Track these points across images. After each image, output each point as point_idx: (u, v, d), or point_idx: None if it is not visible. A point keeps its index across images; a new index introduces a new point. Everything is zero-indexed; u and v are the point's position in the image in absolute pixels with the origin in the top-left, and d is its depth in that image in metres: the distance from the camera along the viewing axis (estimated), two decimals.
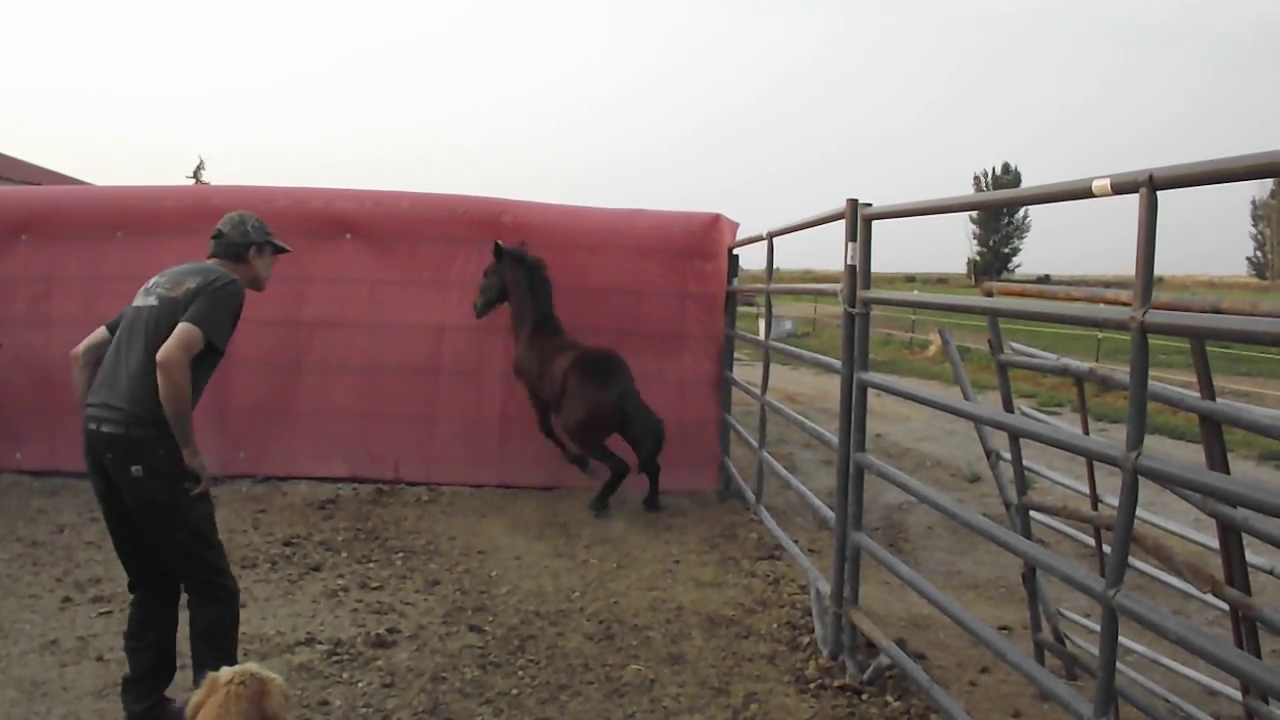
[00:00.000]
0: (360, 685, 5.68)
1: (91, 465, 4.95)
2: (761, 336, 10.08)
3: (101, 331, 5.22)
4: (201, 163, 38.80)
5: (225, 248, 5.46)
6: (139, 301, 5.13)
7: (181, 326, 4.88)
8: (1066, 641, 5.77)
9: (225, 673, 3.72)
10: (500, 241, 10.17)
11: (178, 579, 5.21)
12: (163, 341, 4.83)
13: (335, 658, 6.05)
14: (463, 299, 10.49)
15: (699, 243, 10.67)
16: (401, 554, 8.16)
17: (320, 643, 6.28)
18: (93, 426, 4.86)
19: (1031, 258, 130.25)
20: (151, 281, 5.21)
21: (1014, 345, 5.79)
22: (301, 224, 10.55)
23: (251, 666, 3.78)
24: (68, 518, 9.16)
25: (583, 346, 9.89)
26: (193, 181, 36.49)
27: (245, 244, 5.50)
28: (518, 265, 10.15)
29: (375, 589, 7.31)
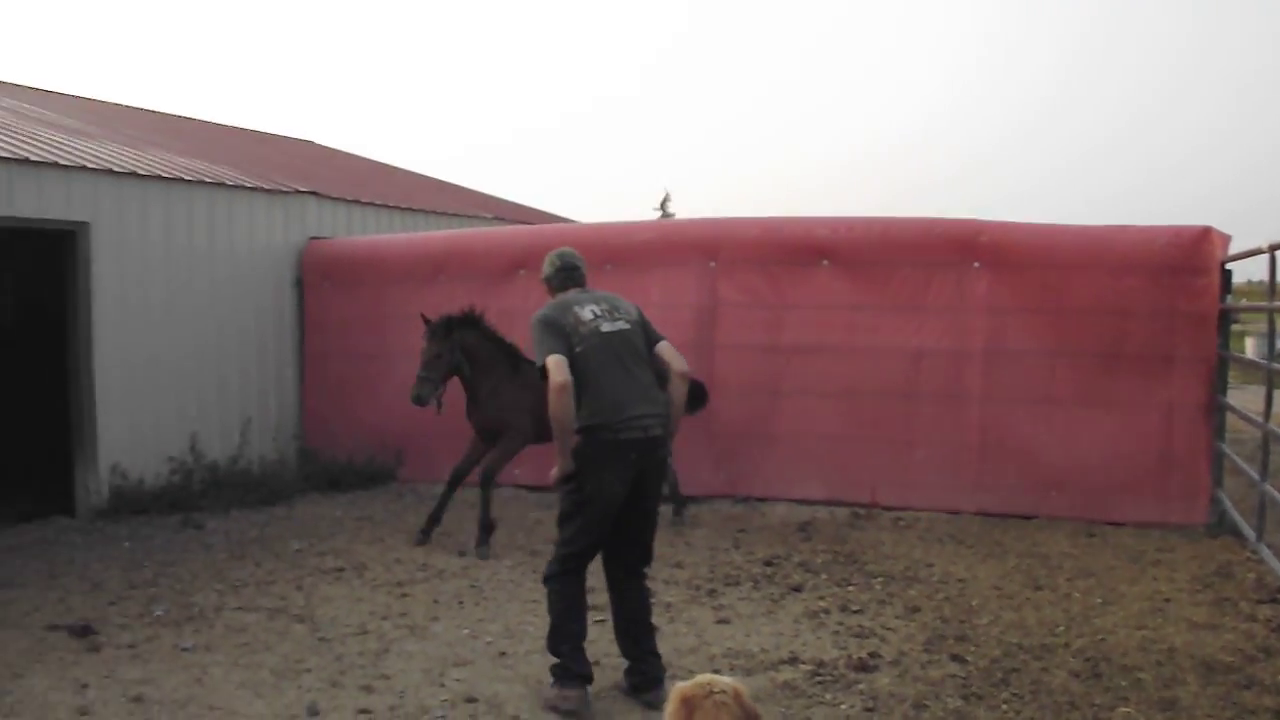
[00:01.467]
0: (843, 707, 5.71)
1: (624, 464, 5.72)
2: (1256, 357, 9.33)
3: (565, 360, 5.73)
4: (667, 195, 40.35)
5: (584, 276, 6.33)
6: (607, 328, 5.83)
7: (668, 344, 6.17)
8: None
9: (690, 687, 3.74)
10: (427, 316, 9.79)
11: (637, 556, 6.09)
12: (646, 357, 6.00)
13: (818, 678, 6.13)
14: (939, 324, 10.39)
15: (1188, 257, 9.98)
16: (880, 579, 8.15)
17: (803, 662, 6.38)
18: (639, 435, 5.73)
19: None
20: (592, 311, 5.91)
21: None
22: (778, 252, 10.87)
23: (707, 676, 3.85)
24: None
25: None
26: (660, 214, 38.08)
27: None
28: (468, 328, 9.75)
29: (855, 612, 7.34)
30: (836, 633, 6.95)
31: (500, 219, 18.09)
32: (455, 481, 9.83)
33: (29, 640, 7.19)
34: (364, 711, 5.84)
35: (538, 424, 9.75)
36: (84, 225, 10.63)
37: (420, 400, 9.47)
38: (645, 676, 5.90)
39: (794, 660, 6.44)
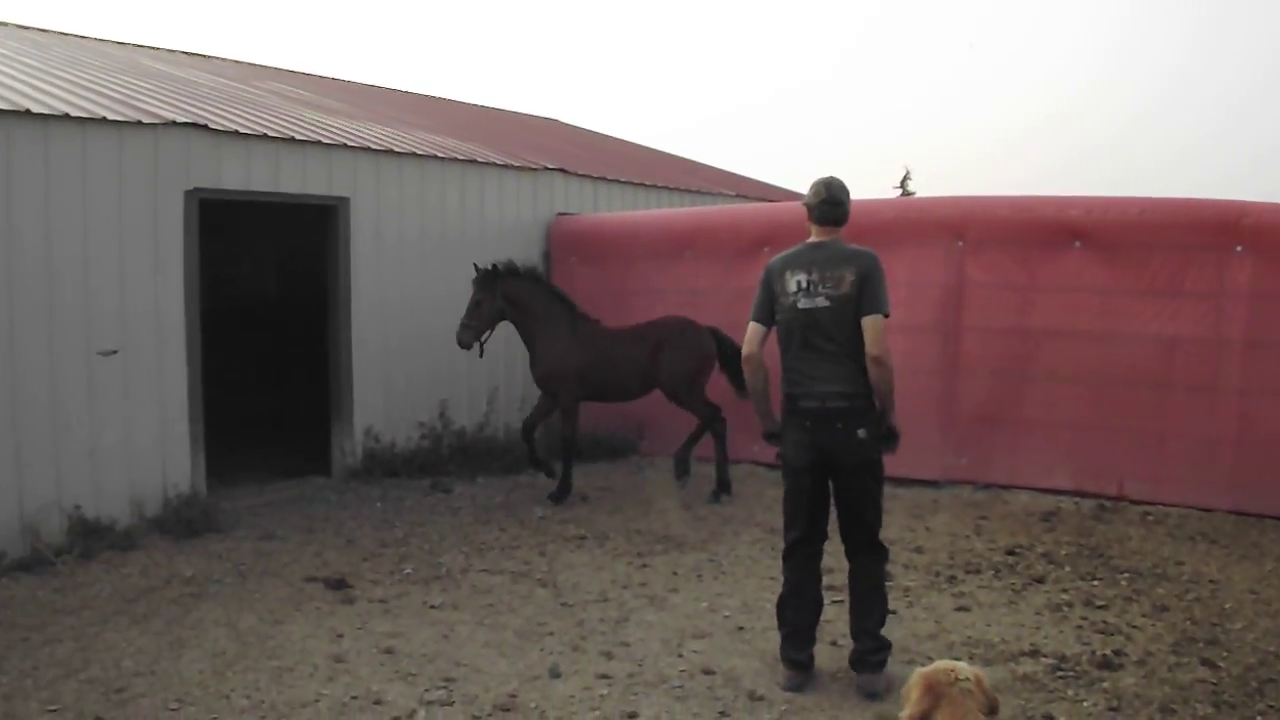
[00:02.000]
0: (1085, 705, 5.60)
1: (802, 431, 5.91)
2: None
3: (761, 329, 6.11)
4: (908, 173, 39.42)
5: (844, 216, 6.09)
6: (804, 304, 5.87)
7: (870, 321, 5.76)
8: None
9: (934, 672, 3.73)
10: (480, 264, 10.35)
11: (856, 534, 6.04)
12: (840, 333, 5.80)
13: (1060, 673, 6.02)
14: (1196, 310, 9.93)
15: None
16: (1127, 574, 7.90)
17: (1044, 655, 6.28)
18: (816, 404, 5.83)
19: None
20: (798, 282, 5.92)
21: None
22: (1028, 232, 10.59)
23: (948, 662, 3.83)
24: None
25: (643, 322, 11.09)
26: (900, 192, 37.34)
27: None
28: (517, 279, 10.36)
29: (1100, 608, 7.15)
30: (1080, 627, 6.79)
31: (742, 196, 18.16)
32: (526, 433, 10.75)
33: (288, 590, 7.72)
34: (603, 677, 6.05)
35: (589, 383, 10.56)
36: (344, 200, 11.18)
37: (462, 344, 10.28)
38: (859, 656, 5.97)
39: (1035, 653, 6.34)
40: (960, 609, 7.20)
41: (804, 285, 5.89)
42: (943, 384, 10.81)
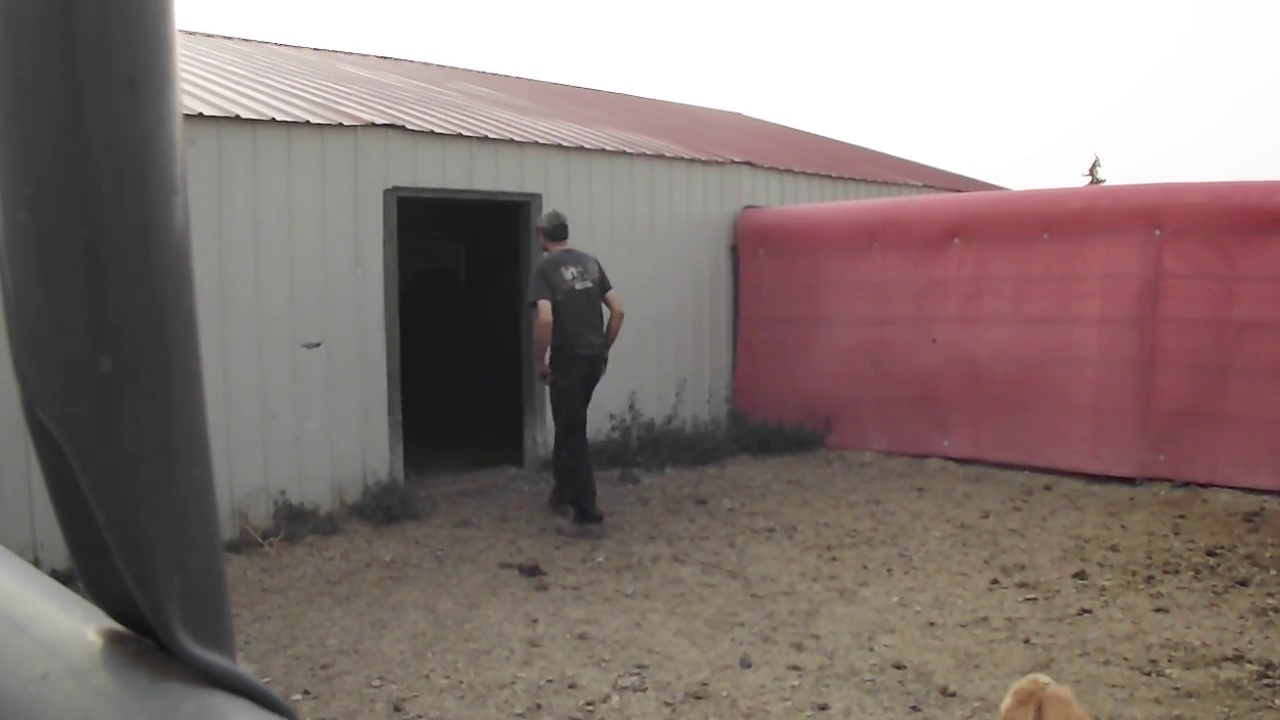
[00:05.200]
0: None
1: (581, 375, 9.24)
2: None
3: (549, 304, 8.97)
4: (1097, 160, 38.15)
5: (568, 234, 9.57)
6: (579, 286, 9.11)
7: (614, 294, 9.42)
8: None
9: (1019, 686, 3.66)
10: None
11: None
12: (599, 304, 9.35)
13: (1266, 680, 5.78)
14: None
15: None
16: None
17: (1249, 661, 6.04)
18: (586, 352, 9.17)
19: None
20: (570, 272, 9.13)
21: None
22: (1230, 219, 10.19)
23: (1039, 676, 3.78)
24: (991, 504, 9.72)
25: None
26: (1089, 180, 36.13)
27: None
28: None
29: None
30: None
31: (930, 186, 17.91)
32: None
33: (484, 575, 7.93)
34: (794, 668, 6.07)
35: None
36: (536, 197, 11.38)
37: None
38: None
39: (1239, 658, 6.11)
40: (1158, 610, 6.97)
41: (574, 275, 9.09)
42: (1139, 378, 10.48)
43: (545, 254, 9.37)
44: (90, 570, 0.54)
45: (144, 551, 0.50)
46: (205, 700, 0.53)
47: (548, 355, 9.19)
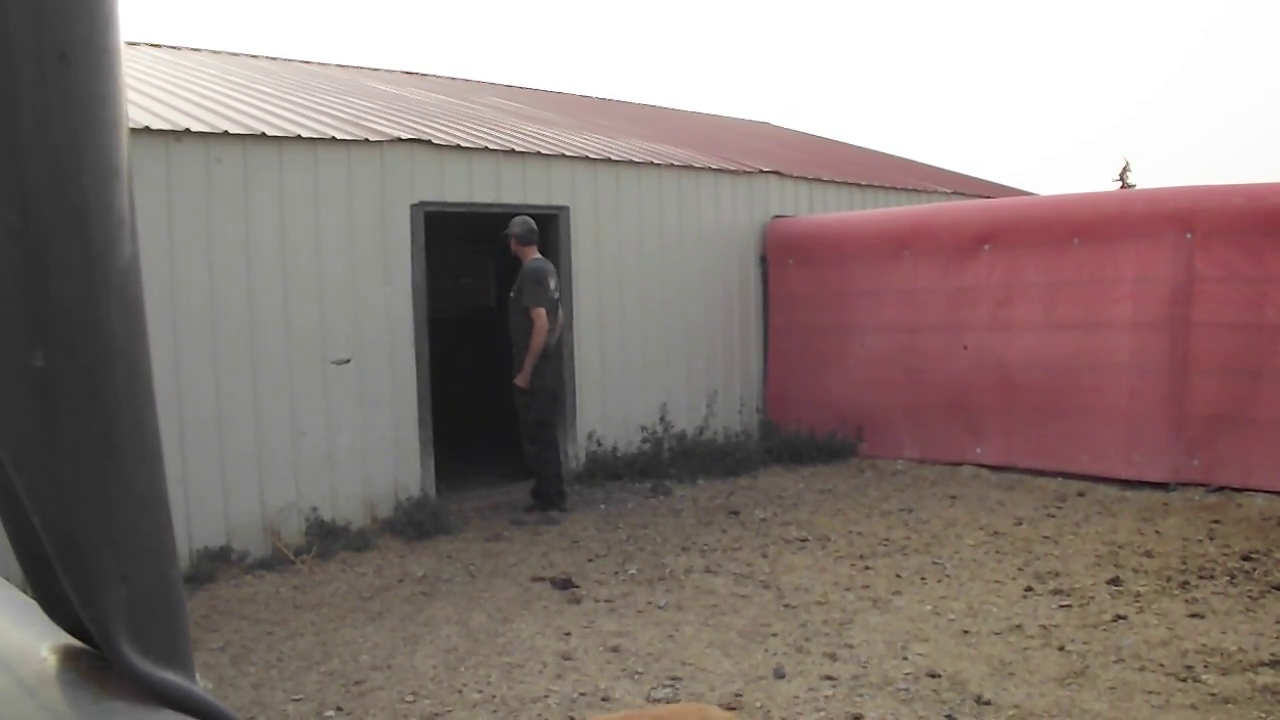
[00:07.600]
0: None
1: (555, 373, 10.38)
2: None
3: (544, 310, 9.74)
4: (1127, 164, 37.97)
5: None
6: (556, 296, 9.98)
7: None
8: None
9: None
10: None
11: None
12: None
13: None
14: None
15: None
16: None
17: None
18: (555, 355, 10.21)
19: None
20: (553, 281, 9.89)
21: None
22: (1265, 222, 10.07)
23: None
24: (1025, 511, 9.63)
25: None
26: (1119, 185, 35.86)
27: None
28: None
29: None
30: None
31: (959, 193, 17.81)
32: None
33: (516, 589, 7.91)
34: (828, 678, 6.01)
35: None
36: (564, 209, 11.39)
37: None
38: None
39: (1275, 663, 5.99)
40: (1193, 615, 6.86)
41: (555, 285, 9.93)
42: (1171, 383, 10.35)
43: (535, 260, 9.92)
44: (41, 582, 0.51)
45: (85, 559, 0.47)
46: None
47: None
